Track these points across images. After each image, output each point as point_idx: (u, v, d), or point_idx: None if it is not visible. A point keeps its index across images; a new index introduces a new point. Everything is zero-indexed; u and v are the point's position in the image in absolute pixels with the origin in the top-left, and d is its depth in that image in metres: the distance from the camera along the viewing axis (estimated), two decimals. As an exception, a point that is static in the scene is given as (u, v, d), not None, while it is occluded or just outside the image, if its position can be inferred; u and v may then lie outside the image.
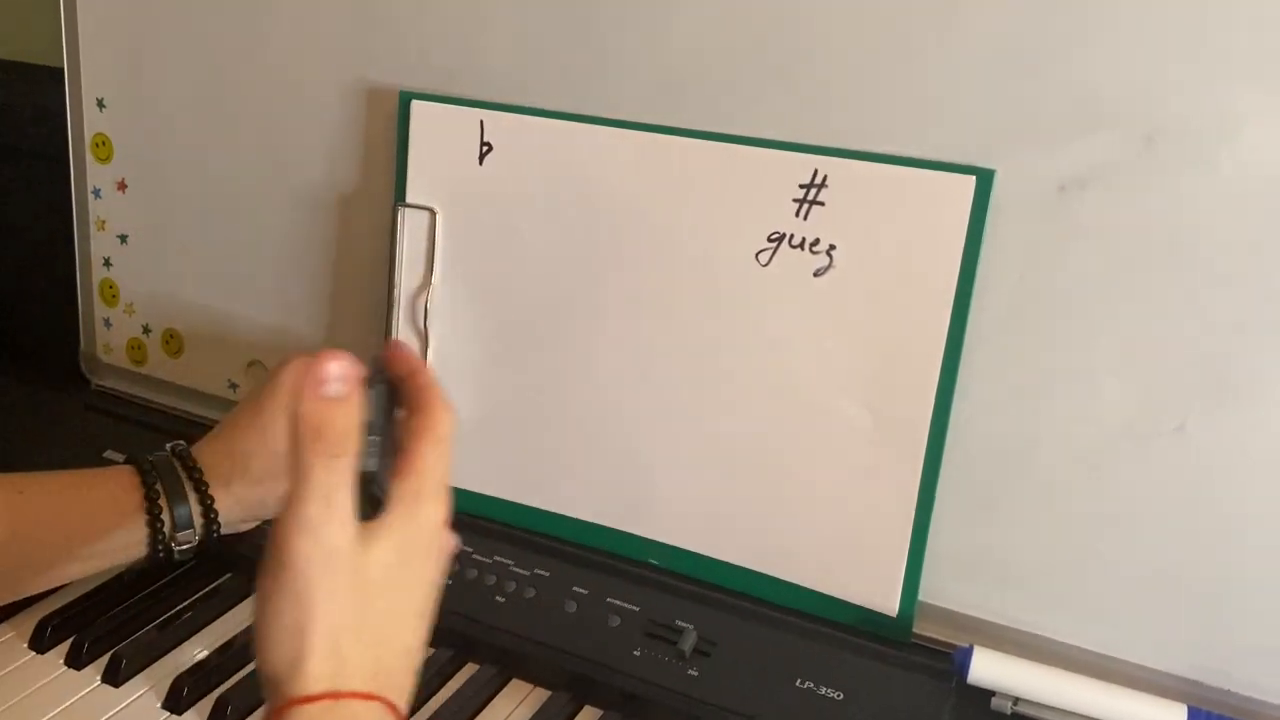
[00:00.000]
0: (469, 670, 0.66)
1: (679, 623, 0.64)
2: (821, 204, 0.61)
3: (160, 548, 0.66)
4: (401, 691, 0.47)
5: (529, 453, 0.70)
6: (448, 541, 0.50)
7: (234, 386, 0.84)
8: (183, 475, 0.66)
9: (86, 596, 0.71)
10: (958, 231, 0.58)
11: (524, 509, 0.71)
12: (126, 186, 0.85)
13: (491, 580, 0.68)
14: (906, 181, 0.59)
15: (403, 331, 0.73)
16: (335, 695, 0.45)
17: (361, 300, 0.76)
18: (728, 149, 0.63)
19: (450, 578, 0.68)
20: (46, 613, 0.69)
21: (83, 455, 0.82)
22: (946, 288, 0.58)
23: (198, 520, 0.66)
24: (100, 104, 0.84)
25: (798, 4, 0.60)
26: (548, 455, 0.70)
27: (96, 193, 0.86)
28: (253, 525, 0.72)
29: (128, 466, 0.66)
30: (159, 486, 0.65)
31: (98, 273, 0.88)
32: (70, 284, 0.89)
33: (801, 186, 0.61)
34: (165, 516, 0.65)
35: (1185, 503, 0.56)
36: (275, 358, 0.81)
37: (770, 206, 0.62)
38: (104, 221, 0.87)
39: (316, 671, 0.44)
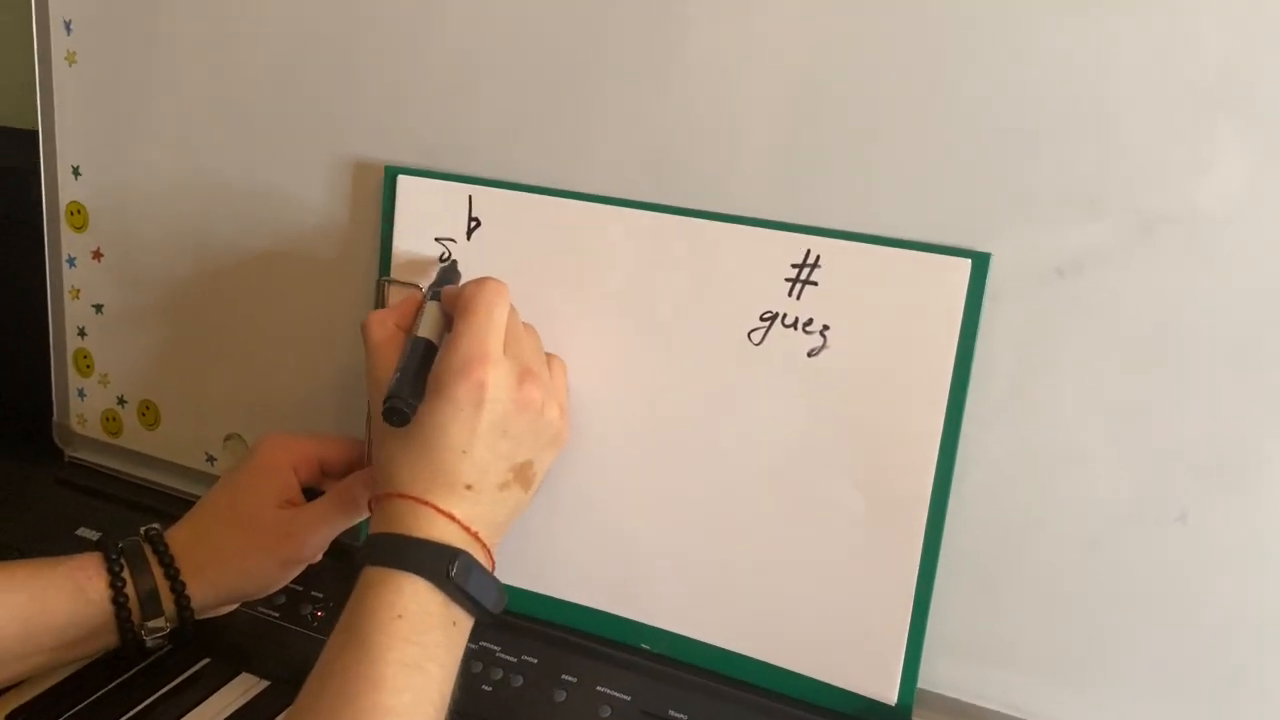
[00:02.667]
0: (455, 764, 0.63)
1: (673, 713, 0.62)
2: (815, 284, 0.60)
3: (130, 636, 0.64)
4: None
5: (517, 533, 0.68)
6: (495, 385, 0.57)
7: (211, 460, 0.82)
8: (152, 560, 0.65)
9: (59, 686, 0.68)
10: (954, 314, 0.57)
11: (511, 591, 0.69)
12: (102, 255, 0.83)
13: (477, 668, 0.66)
14: (901, 263, 0.58)
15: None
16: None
17: (343, 375, 0.74)
18: (719, 227, 0.62)
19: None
20: (16, 704, 0.66)
21: (55, 532, 0.80)
22: (943, 370, 0.58)
23: (168, 607, 0.64)
24: (75, 171, 0.83)
25: (790, 82, 0.59)
26: (536, 536, 0.68)
27: (71, 261, 0.85)
28: (231, 609, 0.71)
29: (95, 553, 0.64)
30: (125, 574, 0.63)
31: (72, 342, 0.86)
32: (43, 353, 0.87)
33: (794, 266, 0.60)
34: (133, 605, 0.63)
35: (1190, 591, 0.55)
36: (253, 432, 0.79)
37: (762, 285, 0.61)
38: (78, 290, 0.85)
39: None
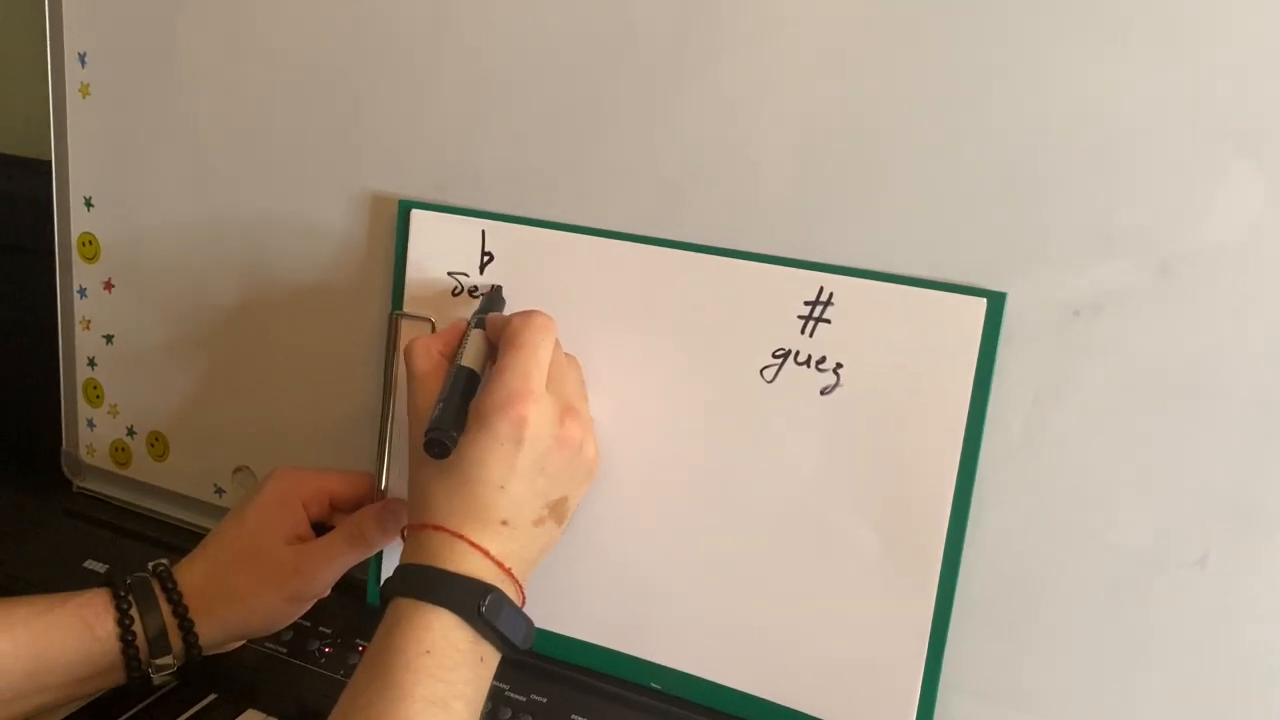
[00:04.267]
0: (463, 805, 0.63)
1: (684, 755, 0.61)
2: (828, 321, 0.60)
3: (137, 674, 0.63)
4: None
5: (526, 570, 0.68)
6: (536, 422, 0.56)
7: (220, 492, 0.81)
8: (160, 598, 0.64)
9: (63, 722, 0.68)
10: (969, 354, 0.57)
11: (521, 627, 0.68)
12: (113, 286, 0.83)
13: (486, 707, 0.64)
14: (915, 302, 0.58)
15: (397, 444, 0.71)
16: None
17: (355, 408, 0.74)
18: (731, 264, 0.62)
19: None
20: (21, 742, 0.66)
21: (63, 563, 0.80)
22: (958, 410, 0.57)
23: (176, 644, 0.64)
24: (88, 203, 0.83)
25: (804, 120, 0.59)
26: (546, 571, 0.67)
27: (82, 292, 0.85)
28: (238, 645, 0.70)
29: (103, 590, 0.64)
30: (133, 612, 0.63)
31: (82, 373, 0.86)
32: (54, 383, 0.87)
33: (807, 303, 0.60)
34: (140, 643, 0.63)
35: (1210, 636, 0.54)
36: (263, 464, 0.79)
37: (775, 322, 0.61)
38: (89, 321, 0.85)
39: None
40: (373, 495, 0.70)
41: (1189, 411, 0.53)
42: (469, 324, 0.63)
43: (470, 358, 0.60)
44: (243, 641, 0.70)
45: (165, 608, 0.64)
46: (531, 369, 0.57)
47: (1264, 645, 0.53)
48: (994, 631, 0.59)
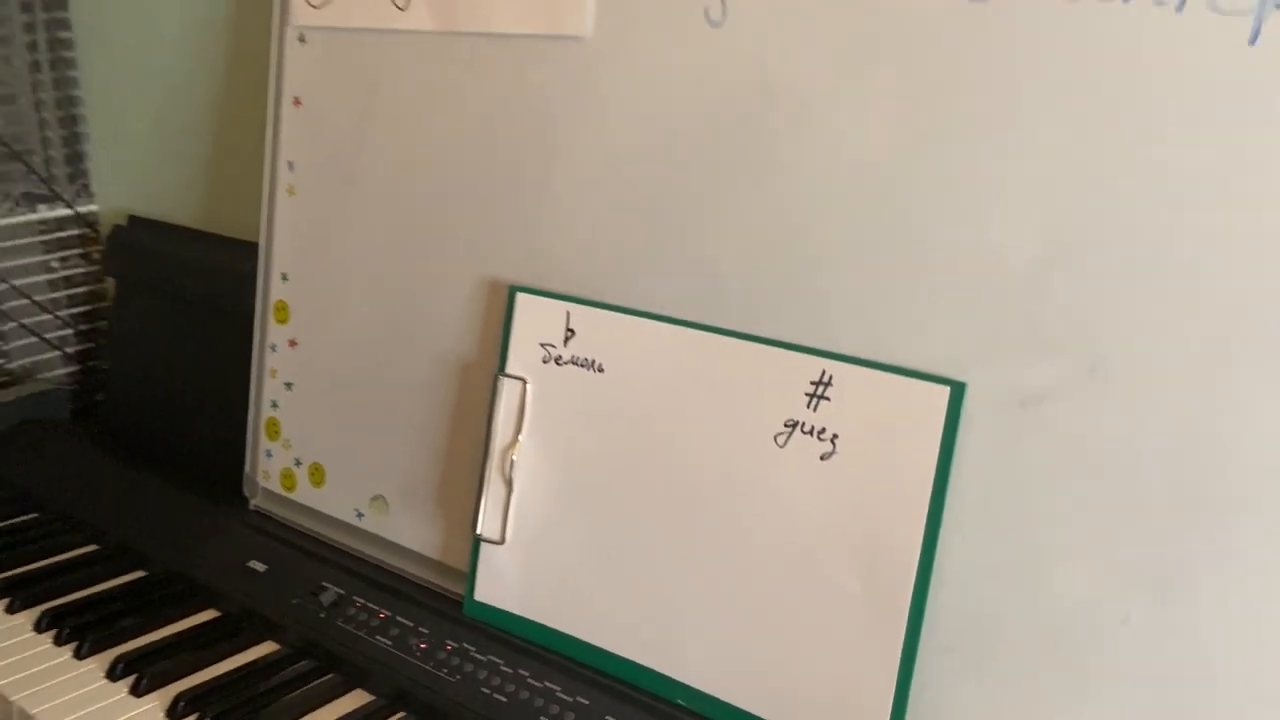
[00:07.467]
0: (510, 776, 0.76)
1: (689, 754, 0.73)
2: (828, 399, 0.72)
3: None
4: None
5: (585, 589, 0.82)
6: None
7: (360, 515, 1.00)
8: None
9: (221, 678, 0.86)
10: (935, 432, 0.68)
11: (569, 640, 0.82)
12: (296, 344, 1.04)
13: (539, 703, 0.79)
14: (894, 386, 0.70)
15: (493, 479, 0.87)
16: None
17: (468, 450, 0.91)
18: (754, 347, 0.75)
19: (505, 696, 0.80)
20: (185, 688, 0.84)
21: (234, 562, 0.99)
22: (925, 480, 0.68)
23: None
24: (284, 277, 1.05)
25: (816, 229, 0.73)
26: (600, 592, 0.82)
27: (273, 348, 1.06)
28: None
29: None
30: None
31: (265, 412, 1.07)
32: (243, 420, 1.09)
33: (812, 383, 0.73)
34: None
35: (1139, 687, 0.63)
36: (395, 493, 0.97)
37: (786, 397, 0.74)
38: (275, 371, 1.06)
39: None
40: None
41: (1114, 491, 0.63)
42: None
43: None
44: None
45: None
46: None
47: (1187, 697, 0.61)
48: (955, 670, 0.68)
